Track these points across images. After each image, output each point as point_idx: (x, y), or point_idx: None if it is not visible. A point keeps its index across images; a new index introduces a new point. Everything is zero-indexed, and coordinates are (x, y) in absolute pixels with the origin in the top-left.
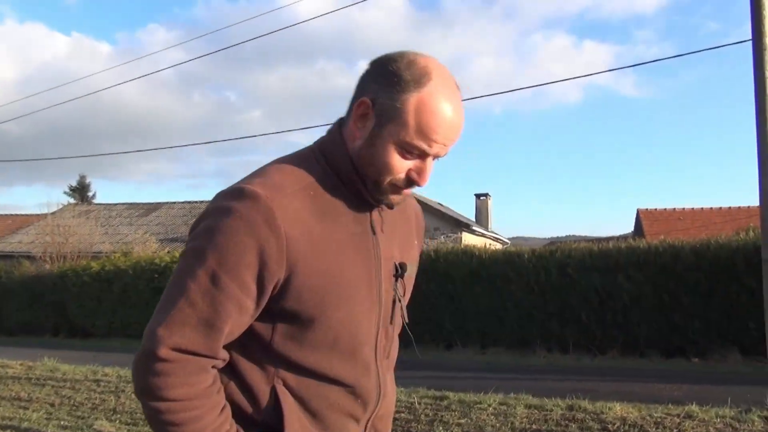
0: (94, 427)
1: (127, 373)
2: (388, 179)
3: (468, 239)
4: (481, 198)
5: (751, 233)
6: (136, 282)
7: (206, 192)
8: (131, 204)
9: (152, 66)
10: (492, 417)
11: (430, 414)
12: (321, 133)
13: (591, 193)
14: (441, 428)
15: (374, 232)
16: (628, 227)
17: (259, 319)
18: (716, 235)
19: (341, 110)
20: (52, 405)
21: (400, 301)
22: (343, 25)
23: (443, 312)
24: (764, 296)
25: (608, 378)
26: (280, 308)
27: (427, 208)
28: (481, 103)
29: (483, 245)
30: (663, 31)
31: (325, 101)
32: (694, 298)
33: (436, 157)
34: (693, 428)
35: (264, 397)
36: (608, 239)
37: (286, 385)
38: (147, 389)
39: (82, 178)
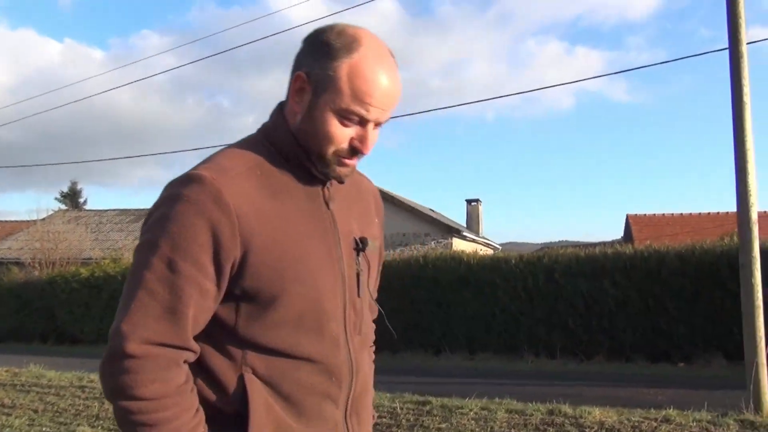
0: None
1: None
2: (331, 149)
3: (459, 245)
4: (472, 203)
5: (735, 238)
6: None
7: None
8: (122, 210)
9: (145, 72)
10: (472, 422)
11: (412, 419)
12: None
13: (584, 199)
14: None
15: (328, 207)
16: (620, 233)
17: (222, 303)
18: (702, 240)
19: None
20: (36, 411)
21: (362, 275)
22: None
23: (432, 318)
24: (742, 301)
25: (594, 383)
26: (240, 289)
27: (417, 213)
28: (474, 109)
29: (474, 251)
30: (655, 38)
31: None
32: (679, 303)
33: (377, 124)
34: None
35: (231, 387)
36: (597, 245)
37: (255, 372)
38: (117, 389)
39: (74, 184)
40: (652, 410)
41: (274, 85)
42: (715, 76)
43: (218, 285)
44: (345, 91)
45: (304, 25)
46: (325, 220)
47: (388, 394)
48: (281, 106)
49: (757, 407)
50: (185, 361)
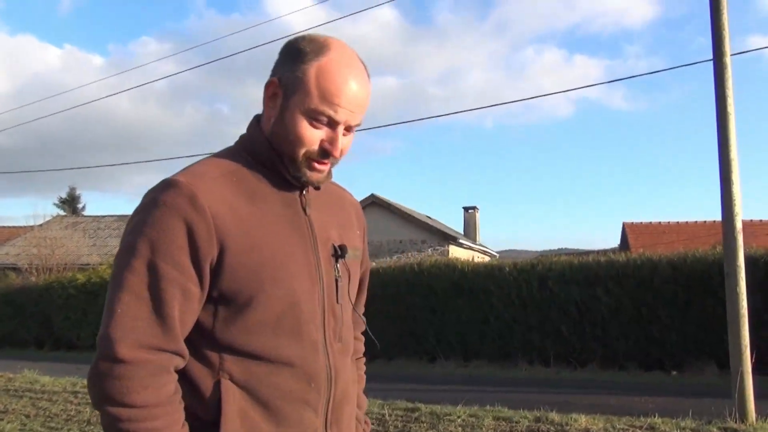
0: None
1: None
2: (302, 151)
3: (455, 252)
4: (469, 211)
5: None
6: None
7: None
8: (120, 216)
9: (145, 78)
10: (459, 428)
11: (400, 425)
12: None
13: (583, 206)
14: None
15: (305, 213)
16: (618, 241)
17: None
18: (694, 249)
19: None
20: (28, 416)
21: (340, 281)
22: (336, 37)
23: (426, 325)
24: (728, 310)
25: (586, 391)
26: (218, 290)
27: (414, 221)
28: (472, 116)
29: (470, 258)
30: (653, 46)
31: None
32: (671, 311)
33: (348, 127)
34: None
35: (208, 393)
36: (592, 253)
37: (232, 378)
38: (106, 395)
39: (72, 190)
40: (641, 418)
41: None
42: (712, 85)
43: (201, 286)
44: (313, 92)
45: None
46: (302, 225)
47: (378, 401)
48: (258, 119)
49: (742, 416)
50: (175, 368)
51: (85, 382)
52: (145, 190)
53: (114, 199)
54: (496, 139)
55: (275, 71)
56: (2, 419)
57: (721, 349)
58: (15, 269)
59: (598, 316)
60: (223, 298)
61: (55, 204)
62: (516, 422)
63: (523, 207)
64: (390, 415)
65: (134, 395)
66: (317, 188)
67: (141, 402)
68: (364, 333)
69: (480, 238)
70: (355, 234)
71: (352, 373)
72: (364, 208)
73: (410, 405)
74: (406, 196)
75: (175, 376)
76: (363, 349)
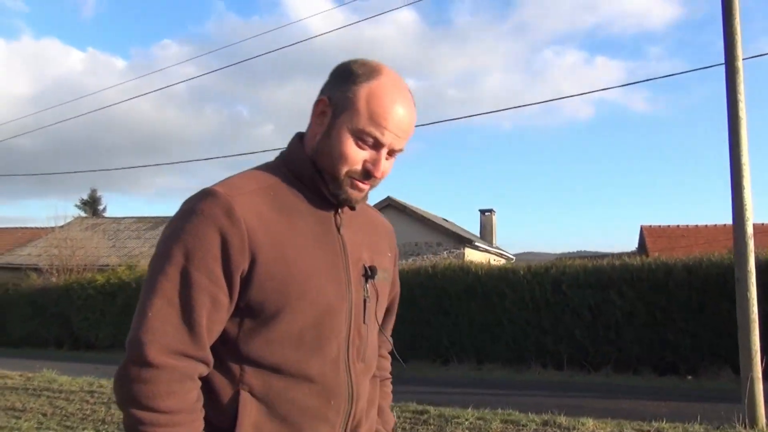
0: None
1: None
2: (345, 169)
3: (471, 255)
4: (486, 213)
5: None
6: (139, 295)
7: None
8: (140, 218)
9: (166, 81)
10: (467, 431)
11: (408, 428)
12: None
13: (602, 209)
14: None
15: (339, 232)
16: (636, 244)
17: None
18: (710, 253)
19: None
20: (45, 415)
21: (368, 301)
22: (356, 41)
23: (440, 328)
24: (738, 315)
25: (599, 395)
26: (245, 301)
27: (430, 223)
28: (490, 119)
29: (486, 261)
30: (675, 48)
31: None
32: (686, 315)
33: (391, 151)
34: None
35: (227, 404)
36: (608, 256)
37: (251, 391)
38: (132, 398)
39: (93, 191)
40: (653, 422)
41: (292, 95)
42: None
43: (230, 296)
44: (362, 112)
45: (323, 35)
46: (335, 243)
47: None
48: (300, 136)
49: (752, 421)
50: (199, 375)
51: (102, 382)
52: (165, 192)
53: (134, 201)
54: (515, 142)
55: (324, 90)
56: (20, 417)
57: (737, 353)
58: (36, 270)
59: (612, 320)
60: (249, 309)
61: (76, 205)
62: (523, 425)
63: (541, 209)
64: (398, 418)
65: (159, 400)
66: (353, 208)
67: (165, 407)
68: (391, 353)
69: (497, 240)
70: (386, 257)
71: (372, 393)
72: (380, 210)
73: (419, 407)
74: (423, 198)
75: (199, 384)
76: (389, 368)
